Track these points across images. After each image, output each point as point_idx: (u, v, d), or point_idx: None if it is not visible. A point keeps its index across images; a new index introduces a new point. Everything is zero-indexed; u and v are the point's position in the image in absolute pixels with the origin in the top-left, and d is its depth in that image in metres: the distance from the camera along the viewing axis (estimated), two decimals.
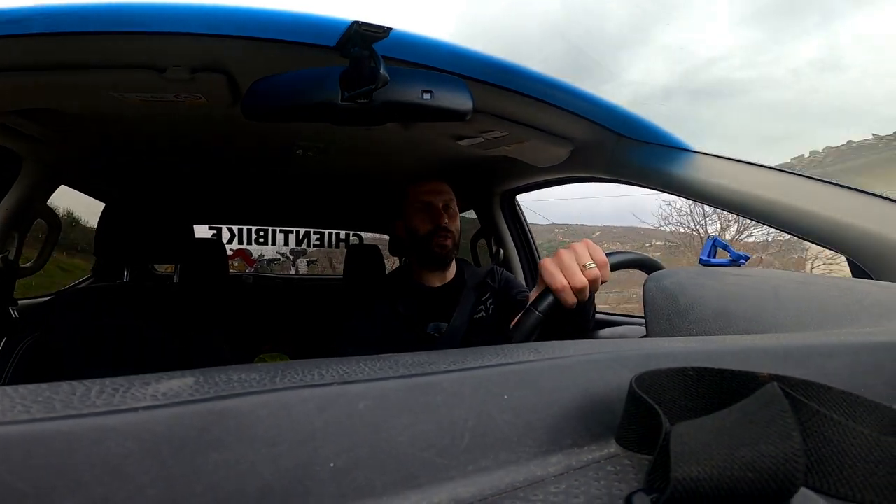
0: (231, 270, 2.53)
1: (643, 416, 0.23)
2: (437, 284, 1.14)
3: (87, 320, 0.97)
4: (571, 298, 0.66)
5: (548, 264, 0.68)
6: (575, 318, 0.72)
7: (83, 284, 1.96)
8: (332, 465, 0.19)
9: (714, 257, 0.71)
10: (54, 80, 0.75)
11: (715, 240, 0.72)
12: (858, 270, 0.66)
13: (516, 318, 0.68)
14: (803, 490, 0.19)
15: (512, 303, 1.13)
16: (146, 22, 0.62)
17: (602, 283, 0.69)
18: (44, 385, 0.19)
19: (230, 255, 2.69)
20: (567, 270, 0.66)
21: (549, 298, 0.67)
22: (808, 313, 0.47)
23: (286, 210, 2.13)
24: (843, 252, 0.67)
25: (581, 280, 0.66)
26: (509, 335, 0.66)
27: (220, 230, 2.48)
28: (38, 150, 1.10)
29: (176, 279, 2.02)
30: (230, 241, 2.61)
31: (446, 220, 1.09)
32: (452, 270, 1.16)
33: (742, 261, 0.69)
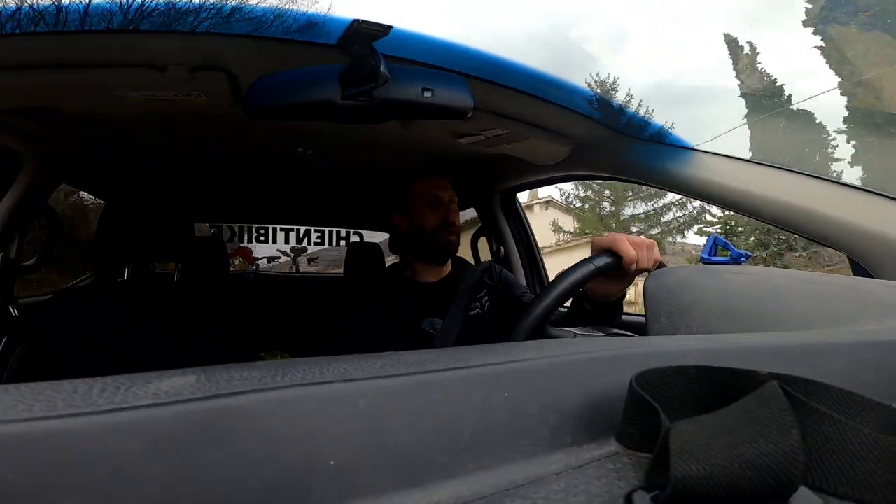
0: (231, 269, 2.53)
1: (643, 415, 0.23)
2: (433, 280, 1.14)
3: (85, 320, 0.97)
4: (632, 252, 0.68)
5: (604, 236, 0.72)
6: (609, 308, 0.77)
7: (84, 283, 1.97)
8: (333, 462, 0.19)
9: (715, 255, 0.71)
10: (55, 79, 0.75)
11: (716, 238, 0.72)
12: (860, 269, 0.66)
13: (567, 269, 0.69)
14: (802, 488, 0.19)
15: (513, 303, 1.13)
16: (146, 20, 0.62)
17: (656, 263, 0.72)
18: (45, 383, 0.19)
19: (230, 254, 2.69)
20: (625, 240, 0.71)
21: (608, 257, 0.69)
22: (809, 312, 0.47)
23: (287, 208, 2.13)
24: (844, 250, 0.67)
25: (643, 239, 0.70)
26: (553, 283, 0.67)
27: (220, 228, 2.48)
28: (38, 148, 1.10)
29: (176, 277, 2.02)
30: (231, 240, 2.61)
31: (453, 216, 1.10)
32: (448, 266, 1.17)
33: (743, 259, 0.69)
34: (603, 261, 0.68)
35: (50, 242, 1.30)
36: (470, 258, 1.87)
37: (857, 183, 0.72)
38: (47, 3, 0.61)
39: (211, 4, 0.64)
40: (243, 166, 1.44)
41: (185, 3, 0.63)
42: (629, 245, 0.68)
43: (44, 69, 0.72)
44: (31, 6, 0.61)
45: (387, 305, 1.09)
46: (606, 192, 14.89)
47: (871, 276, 0.63)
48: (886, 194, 0.66)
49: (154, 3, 0.63)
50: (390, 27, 0.58)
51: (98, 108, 0.89)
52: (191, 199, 1.82)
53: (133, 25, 0.63)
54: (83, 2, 0.62)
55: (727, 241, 0.71)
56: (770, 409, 0.19)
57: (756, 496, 0.17)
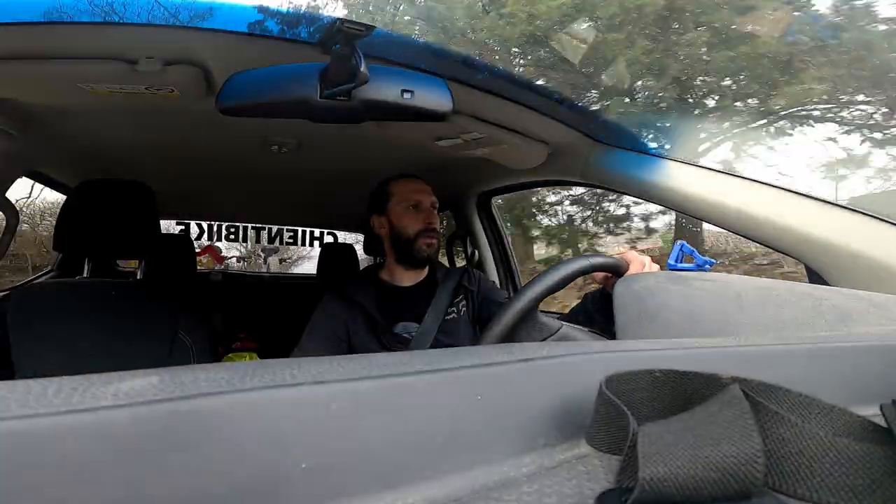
0: (199, 267, 2.45)
1: (612, 418, 0.23)
2: (408, 284, 1.13)
3: (46, 318, 0.93)
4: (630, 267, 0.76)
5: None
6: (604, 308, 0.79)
7: (43, 279, 1.88)
8: (303, 465, 0.18)
9: (681, 262, 0.73)
10: (17, 71, 0.71)
11: (682, 245, 0.75)
12: (816, 277, 0.69)
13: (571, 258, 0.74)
14: (764, 490, 0.20)
15: (491, 308, 1.13)
16: (117, 12, 0.60)
17: None
18: None
19: (198, 252, 2.61)
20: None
21: (613, 261, 0.74)
22: (768, 318, 0.49)
23: (259, 207, 2.09)
24: (801, 259, 0.71)
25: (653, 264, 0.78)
26: (557, 266, 0.71)
27: (188, 225, 2.41)
28: None
29: (139, 275, 1.95)
30: (199, 237, 2.54)
31: (434, 222, 1.10)
32: (425, 270, 1.16)
33: (707, 266, 0.71)
34: (603, 261, 0.73)
35: (6, 237, 1.24)
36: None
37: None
38: None
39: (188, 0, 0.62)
40: (215, 163, 1.41)
41: None
42: (640, 264, 0.76)
43: (5, 61, 0.69)
44: None
45: (362, 308, 1.07)
46: None
47: (827, 285, 0.66)
48: (843, 205, 0.70)
49: None
50: (372, 27, 0.57)
51: (63, 101, 0.85)
52: (158, 194, 1.75)
53: (103, 17, 0.60)
54: None
55: (693, 249, 0.74)
56: (732, 413, 0.20)
57: (719, 497, 0.18)
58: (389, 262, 1.15)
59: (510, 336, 0.67)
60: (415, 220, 1.09)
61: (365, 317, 1.06)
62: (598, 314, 0.84)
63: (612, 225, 6.84)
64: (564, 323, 0.71)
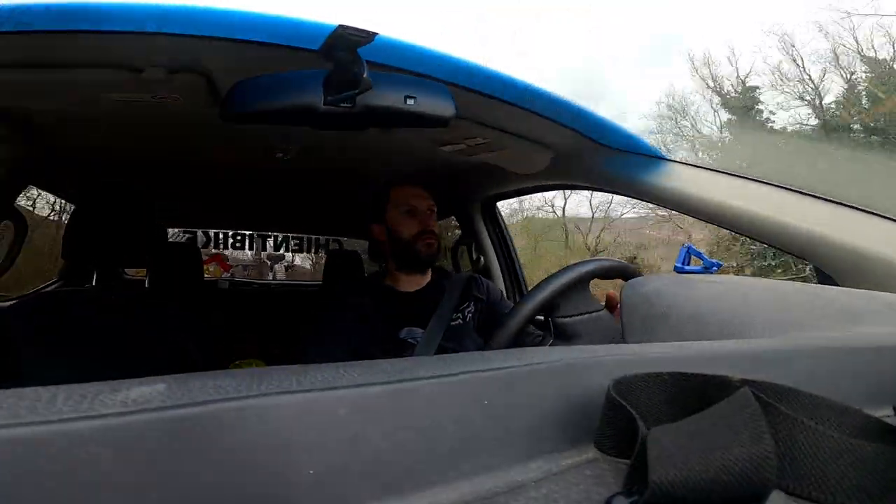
0: (206, 276, 2.46)
1: (621, 421, 0.23)
2: (412, 289, 1.14)
3: (53, 326, 0.93)
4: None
5: None
6: None
7: (50, 287, 1.89)
8: (311, 472, 0.18)
9: (688, 265, 0.73)
10: (24, 79, 0.72)
11: (689, 248, 0.74)
12: (824, 277, 0.68)
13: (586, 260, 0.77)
14: (777, 492, 0.20)
15: (496, 316, 1.13)
16: (124, 21, 0.61)
17: None
18: (7, 391, 0.18)
19: (205, 260, 2.63)
20: None
21: (624, 266, 0.76)
22: (776, 319, 0.48)
23: (264, 215, 2.10)
24: (810, 260, 0.70)
25: None
26: (570, 268, 0.73)
27: (195, 234, 2.42)
28: (4, 149, 1.06)
29: (147, 284, 1.96)
30: (205, 246, 2.55)
31: (432, 225, 1.11)
32: (428, 275, 1.16)
33: (714, 268, 0.71)
34: (614, 263, 0.75)
35: (15, 246, 1.25)
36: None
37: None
38: (18, 2, 0.59)
39: (191, 7, 0.63)
40: (220, 170, 1.42)
41: (164, 6, 0.62)
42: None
43: (12, 69, 0.70)
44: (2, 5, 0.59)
45: (365, 313, 1.07)
46: None
47: (836, 285, 0.66)
48: (852, 205, 0.69)
49: (131, 4, 0.61)
50: (375, 34, 0.58)
51: (69, 109, 0.86)
52: (165, 203, 1.77)
53: (109, 26, 0.61)
54: (55, 1, 0.60)
55: (700, 252, 0.73)
56: (743, 415, 0.20)
57: (731, 500, 0.18)
58: (391, 268, 1.16)
59: (546, 313, 0.69)
60: (412, 224, 1.10)
61: (369, 323, 1.06)
62: None
63: None
64: (603, 306, 0.73)
